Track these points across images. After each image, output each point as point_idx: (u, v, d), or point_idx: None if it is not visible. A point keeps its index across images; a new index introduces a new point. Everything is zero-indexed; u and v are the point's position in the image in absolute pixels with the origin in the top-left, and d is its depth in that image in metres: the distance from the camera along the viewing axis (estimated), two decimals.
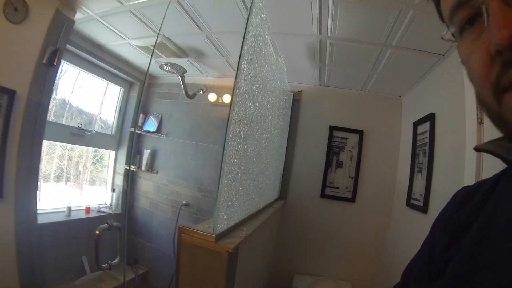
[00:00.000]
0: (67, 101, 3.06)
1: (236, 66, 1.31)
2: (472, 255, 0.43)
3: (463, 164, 1.60)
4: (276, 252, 3.04)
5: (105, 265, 2.31)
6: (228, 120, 1.27)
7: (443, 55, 2.01)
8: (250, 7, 1.36)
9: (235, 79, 1.30)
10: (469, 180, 1.52)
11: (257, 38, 1.51)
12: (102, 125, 3.63)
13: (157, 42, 2.53)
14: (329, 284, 2.66)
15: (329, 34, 2.08)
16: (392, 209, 2.86)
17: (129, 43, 2.79)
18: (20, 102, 2.02)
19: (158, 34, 2.41)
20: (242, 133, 1.44)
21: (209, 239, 1.23)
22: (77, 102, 3.21)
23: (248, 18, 1.34)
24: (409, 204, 2.45)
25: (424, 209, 2.12)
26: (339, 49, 2.29)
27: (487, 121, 1.47)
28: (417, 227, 2.25)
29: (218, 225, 1.27)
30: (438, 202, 1.97)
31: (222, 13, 2.05)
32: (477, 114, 1.52)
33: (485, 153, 1.40)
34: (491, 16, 0.35)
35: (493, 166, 1.31)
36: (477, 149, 0.48)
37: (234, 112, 1.29)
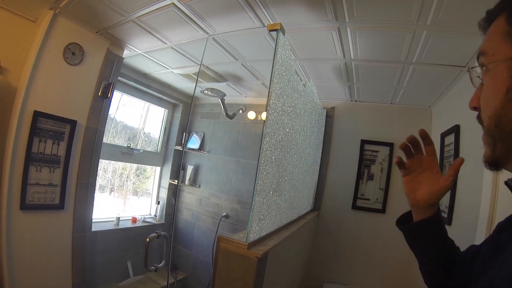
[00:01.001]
0: (112, 117, 3.22)
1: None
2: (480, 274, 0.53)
3: (482, 180, 1.53)
4: (309, 260, 2.94)
5: (152, 267, 2.44)
6: (260, 149, 1.39)
7: (464, 66, 1.91)
8: (275, 48, 1.44)
9: (266, 115, 1.41)
10: (486, 195, 1.45)
11: (283, 73, 1.58)
12: (146, 139, 3.75)
13: (197, 70, 2.64)
14: None
15: (352, 57, 2.08)
16: None
17: (172, 71, 2.90)
18: (80, 129, 2.24)
19: (200, 65, 2.52)
20: (273, 157, 1.54)
21: (242, 247, 1.35)
22: (122, 118, 3.38)
23: (273, 60, 1.42)
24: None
25: (448, 221, 1.99)
26: (363, 69, 2.26)
27: None
28: None
29: (251, 235, 1.39)
30: (462, 214, 1.87)
31: (253, 45, 2.14)
32: None
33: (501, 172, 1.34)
34: None
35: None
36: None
37: (265, 142, 1.41)
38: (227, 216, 3.30)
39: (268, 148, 1.45)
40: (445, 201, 2.10)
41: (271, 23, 1.65)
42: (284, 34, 1.51)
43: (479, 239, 1.43)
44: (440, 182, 0.69)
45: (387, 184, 2.79)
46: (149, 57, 2.61)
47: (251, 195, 1.37)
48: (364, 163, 2.87)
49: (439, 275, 0.74)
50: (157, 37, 2.17)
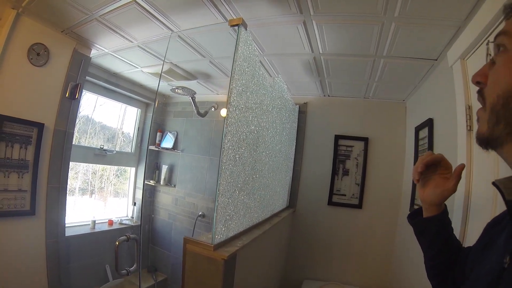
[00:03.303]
0: (90, 117, 3.35)
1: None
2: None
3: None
4: (287, 258, 3.14)
5: (124, 271, 2.54)
6: (221, 148, 1.45)
7: (436, 59, 2.04)
8: (236, 43, 1.52)
9: (227, 112, 1.47)
10: (459, 188, 1.55)
11: (246, 70, 1.65)
12: (124, 139, 3.88)
13: (165, 69, 2.77)
14: None
15: (320, 51, 2.19)
16: (399, 215, 2.91)
17: (141, 70, 3.03)
18: (48, 132, 2.33)
19: (164, 62, 2.64)
20: (237, 156, 1.60)
21: (208, 248, 1.42)
22: (100, 118, 3.51)
23: (234, 56, 1.50)
24: (411, 210, 2.45)
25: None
26: (333, 63, 2.39)
27: (476, 128, 1.52)
28: None
29: (217, 236, 1.46)
30: None
31: (218, 42, 2.24)
32: (466, 121, 1.53)
33: (475, 164, 1.49)
34: None
35: (484, 178, 1.39)
36: (494, 184, 0.58)
37: (226, 140, 1.46)
38: (203, 215, 3.49)
39: (230, 147, 1.50)
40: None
41: (234, 18, 1.70)
42: (246, 29, 1.57)
43: (455, 228, 1.57)
44: (445, 185, 0.79)
45: (363, 179, 2.99)
46: (118, 56, 2.72)
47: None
48: (339, 159, 3.07)
49: (441, 271, 0.84)
50: (122, 36, 2.28)
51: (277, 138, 2.39)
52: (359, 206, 2.99)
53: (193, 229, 3.49)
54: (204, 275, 1.45)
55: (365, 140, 3.02)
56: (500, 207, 0.51)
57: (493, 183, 0.58)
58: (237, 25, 1.53)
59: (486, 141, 0.53)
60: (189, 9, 1.82)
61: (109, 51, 2.62)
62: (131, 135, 3.98)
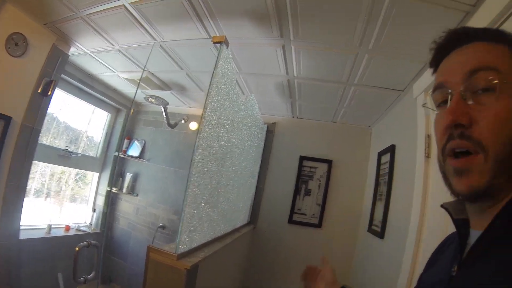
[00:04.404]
0: (54, 116, 3.31)
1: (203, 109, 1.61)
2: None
3: (412, 197, 1.83)
4: (246, 273, 3.24)
5: (81, 279, 2.50)
6: (191, 161, 1.54)
7: (403, 91, 2.27)
8: (216, 60, 1.66)
9: (200, 125, 1.59)
10: (416, 210, 1.74)
11: (223, 86, 1.79)
12: (88, 143, 3.90)
13: (142, 76, 2.86)
14: None
15: (295, 75, 2.38)
16: (357, 235, 3.12)
17: (117, 75, 3.13)
18: (15, 127, 2.28)
19: (144, 70, 2.74)
20: (205, 169, 1.70)
21: (172, 258, 1.47)
22: (65, 118, 3.49)
23: (213, 72, 1.63)
24: (370, 229, 2.68)
25: (381, 235, 2.35)
26: (306, 87, 2.59)
27: (434, 156, 1.70)
28: (376, 251, 2.48)
29: (181, 246, 1.52)
30: (393, 229, 2.20)
31: (198, 56, 2.38)
32: (425, 149, 1.72)
33: (430, 189, 1.69)
34: (449, 104, 0.53)
35: (439, 202, 1.56)
36: (443, 206, 0.64)
37: (197, 153, 1.56)
38: (163, 227, 3.56)
39: (200, 160, 1.60)
40: (379, 216, 2.45)
41: (217, 35, 1.86)
42: (227, 47, 1.71)
43: (408, 252, 1.72)
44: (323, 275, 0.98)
45: (324, 199, 3.21)
46: (96, 57, 2.77)
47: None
48: (302, 179, 3.29)
49: None
50: (105, 38, 2.33)
51: (244, 155, 2.54)
52: (319, 225, 3.19)
53: (153, 240, 3.53)
54: (166, 284, 1.50)
55: (329, 162, 3.25)
56: (451, 228, 0.62)
57: (442, 206, 0.64)
58: (219, 42, 1.65)
59: (482, 193, 0.50)
60: (176, 21, 1.91)
61: (88, 51, 2.66)
62: (96, 139, 4.01)
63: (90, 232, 3.61)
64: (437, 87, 0.59)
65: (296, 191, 3.28)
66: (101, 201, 3.93)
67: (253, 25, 1.80)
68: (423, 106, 0.66)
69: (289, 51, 2.04)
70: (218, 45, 1.69)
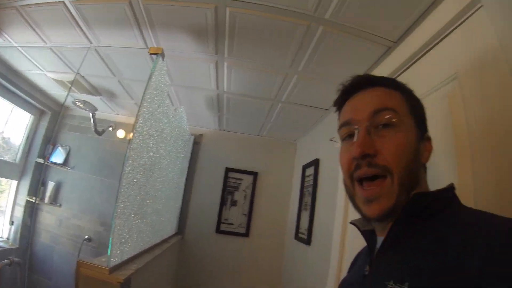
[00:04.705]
0: None
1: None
2: None
3: (335, 206, 2.01)
4: (177, 284, 3.28)
5: None
6: (122, 171, 1.53)
7: (328, 109, 2.47)
8: (151, 72, 1.68)
9: (132, 136, 1.59)
10: (339, 218, 1.91)
11: (155, 98, 1.82)
12: (4, 145, 3.61)
13: (71, 79, 2.76)
14: None
15: (225, 90, 2.48)
16: (285, 242, 3.30)
17: (45, 74, 2.94)
18: None
19: (77, 73, 2.64)
20: (135, 180, 1.72)
21: (104, 272, 1.45)
22: None
23: (147, 83, 1.65)
24: (297, 237, 2.88)
25: (308, 241, 2.53)
26: (234, 101, 2.71)
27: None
28: (303, 257, 2.66)
29: (112, 259, 1.51)
30: (318, 236, 2.37)
31: (133, 64, 2.36)
32: None
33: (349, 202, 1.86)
34: (356, 138, 0.64)
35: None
36: (352, 223, 0.77)
37: (128, 164, 1.57)
38: (89, 239, 3.45)
39: (130, 171, 1.61)
40: (305, 224, 2.63)
41: (155, 46, 1.87)
42: (163, 59, 1.73)
43: (334, 256, 1.88)
44: None
45: (250, 210, 3.34)
46: (24, 52, 2.58)
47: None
48: (228, 190, 3.41)
49: None
50: (38, 33, 2.18)
51: (171, 166, 2.59)
52: (246, 234, 3.33)
53: (78, 254, 3.39)
54: None
55: (255, 174, 3.40)
56: None
57: (351, 223, 0.78)
58: (156, 54, 1.68)
59: (389, 214, 0.60)
60: (115, 27, 1.89)
61: (17, 44, 2.45)
62: (13, 142, 3.73)
63: (8, 248, 3.33)
64: (344, 124, 0.70)
65: (223, 202, 3.39)
66: (19, 212, 3.63)
67: (191, 39, 1.85)
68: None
69: (221, 67, 2.15)
70: (154, 56, 1.70)
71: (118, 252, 1.58)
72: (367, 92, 0.69)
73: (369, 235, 0.72)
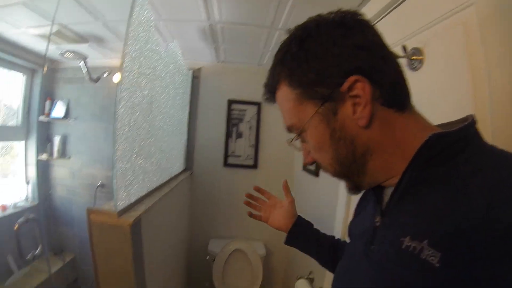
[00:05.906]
0: None
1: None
2: None
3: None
4: (191, 220, 3.44)
5: (29, 257, 2.49)
6: (114, 114, 1.53)
7: None
8: (131, 8, 1.60)
9: (120, 78, 1.57)
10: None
11: (140, 35, 1.76)
12: (7, 111, 3.68)
13: (54, 31, 2.68)
14: (242, 244, 3.12)
15: (217, 19, 2.39)
16: (293, 173, 3.39)
17: (25, 31, 2.88)
18: None
19: (53, 23, 2.55)
20: (131, 121, 1.70)
21: (113, 216, 1.48)
22: None
23: (128, 20, 1.58)
24: (304, 168, 2.94)
25: (316, 173, 2.59)
26: (229, 31, 2.62)
27: None
28: (312, 189, 2.73)
29: (119, 203, 1.52)
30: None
31: (114, 4, 2.25)
32: None
33: None
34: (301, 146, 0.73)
35: None
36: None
37: (120, 106, 1.56)
38: (102, 185, 3.59)
39: (124, 113, 1.59)
40: None
41: None
42: None
43: (342, 188, 1.92)
44: (283, 205, 1.18)
45: (256, 141, 3.39)
46: None
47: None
48: (232, 122, 3.42)
49: (328, 262, 1.09)
50: None
51: (170, 102, 2.58)
52: (254, 166, 3.40)
53: (94, 201, 3.56)
54: (113, 244, 1.52)
55: (258, 104, 3.40)
56: None
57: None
58: None
59: (357, 190, 0.67)
60: None
61: None
62: (15, 107, 3.79)
63: (29, 207, 3.51)
64: (288, 128, 0.74)
65: (228, 134, 3.42)
66: (32, 171, 3.79)
67: None
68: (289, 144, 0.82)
69: None
70: None
71: (125, 195, 1.61)
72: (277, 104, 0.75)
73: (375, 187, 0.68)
